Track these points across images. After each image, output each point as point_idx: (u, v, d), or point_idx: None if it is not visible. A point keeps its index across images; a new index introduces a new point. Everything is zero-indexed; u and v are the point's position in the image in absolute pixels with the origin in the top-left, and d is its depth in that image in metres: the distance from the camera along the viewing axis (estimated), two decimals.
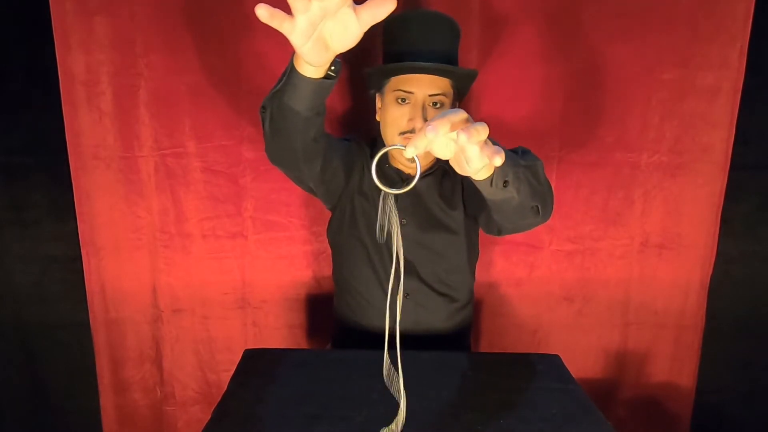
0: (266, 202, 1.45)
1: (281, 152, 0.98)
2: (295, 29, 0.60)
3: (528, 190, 0.84)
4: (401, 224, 1.13)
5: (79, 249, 1.46)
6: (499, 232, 1.06)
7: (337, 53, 0.67)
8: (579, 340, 1.56)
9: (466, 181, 1.15)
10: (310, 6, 0.57)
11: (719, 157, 1.44)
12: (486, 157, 0.62)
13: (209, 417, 0.81)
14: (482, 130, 0.60)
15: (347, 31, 0.61)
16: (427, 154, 1.08)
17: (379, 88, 1.11)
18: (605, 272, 1.52)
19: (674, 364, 1.58)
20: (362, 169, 1.17)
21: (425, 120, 1.03)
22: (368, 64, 1.18)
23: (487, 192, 0.80)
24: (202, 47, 1.34)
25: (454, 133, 0.61)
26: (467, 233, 1.19)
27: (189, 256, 1.47)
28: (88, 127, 1.38)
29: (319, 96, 0.81)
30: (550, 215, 0.93)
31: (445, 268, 1.17)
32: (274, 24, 0.58)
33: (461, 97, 1.15)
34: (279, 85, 0.83)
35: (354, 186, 1.16)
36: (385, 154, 1.16)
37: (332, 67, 0.78)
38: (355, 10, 0.59)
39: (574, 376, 0.97)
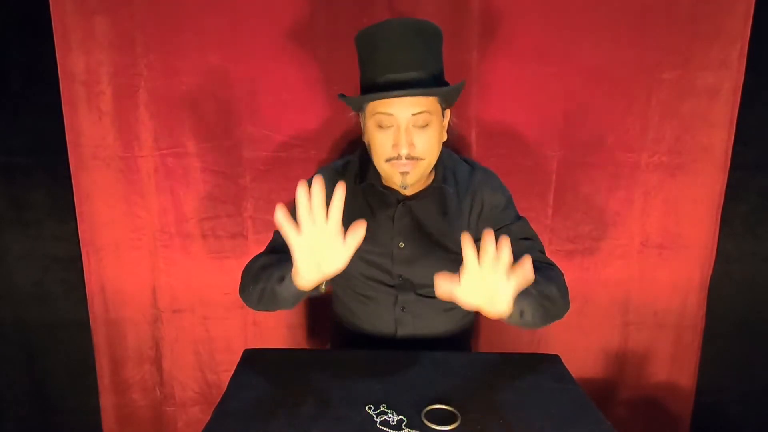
0: (266, 202, 1.45)
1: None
2: (299, 245, 0.77)
3: (542, 314, 0.91)
4: (399, 248, 1.10)
5: (79, 249, 1.46)
6: None
7: (327, 276, 0.82)
8: (579, 340, 1.56)
9: (481, 219, 1.11)
10: (314, 228, 0.74)
11: (719, 157, 1.44)
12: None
13: (209, 418, 0.81)
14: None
15: (336, 255, 0.78)
16: (422, 176, 1.05)
17: (361, 109, 1.04)
18: (605, 272, 1.52)
19: (674, 364, 1.58)
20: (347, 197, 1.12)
21: (410, 144, 0.96)
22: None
23: (505, 321, 0.88)
24: (202, 47, 1.34)
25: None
26: None
27: (189, 256, 1.47)
28: (88, 127, 1.38)
29: (303, 296, 0.92)
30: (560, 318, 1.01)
31: None
32: (283, 230, 0.75)
33: (450, 105, 1.07)
34: (269, 276, 0.93)
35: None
36: (378, 175, 1.07)
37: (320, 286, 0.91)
38: (342, 236, 0.76)
39: (574, 376, 0.97)
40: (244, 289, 1.03)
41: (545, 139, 1.43)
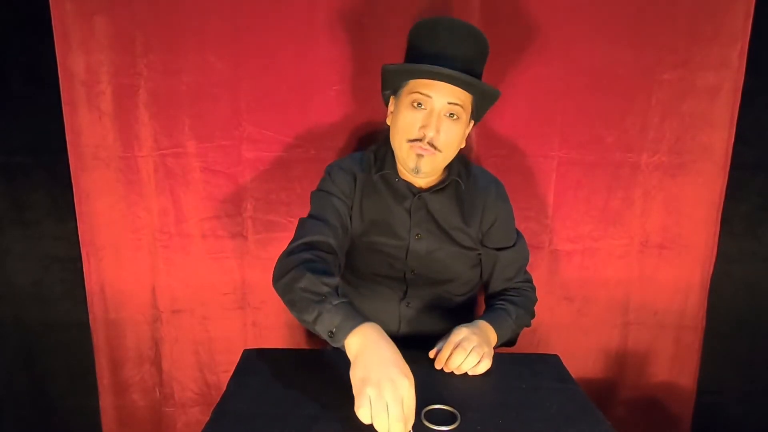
0: (266, 202, 1.45)
1: None
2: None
3: (515, 334, 1.14)
4: (416, 239, 1.12)
5: (79, 249, 1.45)
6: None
7: None
8: (579, 340, 1.56)
9: (492, 223, 1.16)
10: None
11: (719, 157, 1.44)
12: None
13: (208, 418, 0.81)
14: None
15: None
16: (436, 170, 1.07)
17: (396, 90, 1.06)
18: (605, 272, 1.52)
19: (674, 364, 1.58)
20: (360, 195, 1.12)
21: (437, 130, 1.00)
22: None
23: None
24: (202, 47, 1.34)
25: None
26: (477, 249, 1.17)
27: (189, 256, 1.47)
28: (88, 127, 1.38)
29: None
30: None
31: (455, 281, 1.15)
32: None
33: (477, 118, 1.11)
34: (311, 313, 0.85)
35: (357, 213, 1.13)
36: (395, 168, 1.12)
37: None
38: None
39: (573, 376, 0.97)
40: (278, 288, 0.96)
41: (545, 139, 1.43)
